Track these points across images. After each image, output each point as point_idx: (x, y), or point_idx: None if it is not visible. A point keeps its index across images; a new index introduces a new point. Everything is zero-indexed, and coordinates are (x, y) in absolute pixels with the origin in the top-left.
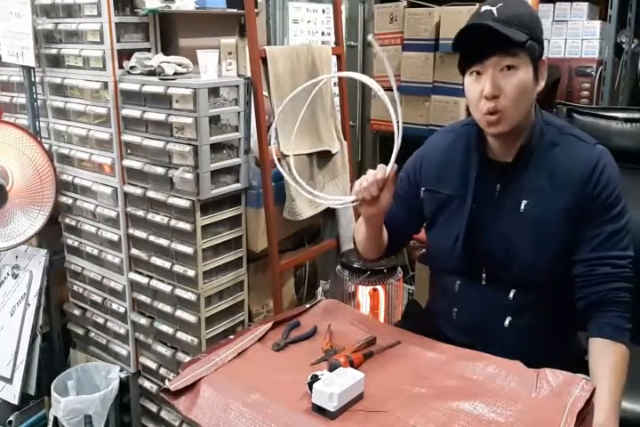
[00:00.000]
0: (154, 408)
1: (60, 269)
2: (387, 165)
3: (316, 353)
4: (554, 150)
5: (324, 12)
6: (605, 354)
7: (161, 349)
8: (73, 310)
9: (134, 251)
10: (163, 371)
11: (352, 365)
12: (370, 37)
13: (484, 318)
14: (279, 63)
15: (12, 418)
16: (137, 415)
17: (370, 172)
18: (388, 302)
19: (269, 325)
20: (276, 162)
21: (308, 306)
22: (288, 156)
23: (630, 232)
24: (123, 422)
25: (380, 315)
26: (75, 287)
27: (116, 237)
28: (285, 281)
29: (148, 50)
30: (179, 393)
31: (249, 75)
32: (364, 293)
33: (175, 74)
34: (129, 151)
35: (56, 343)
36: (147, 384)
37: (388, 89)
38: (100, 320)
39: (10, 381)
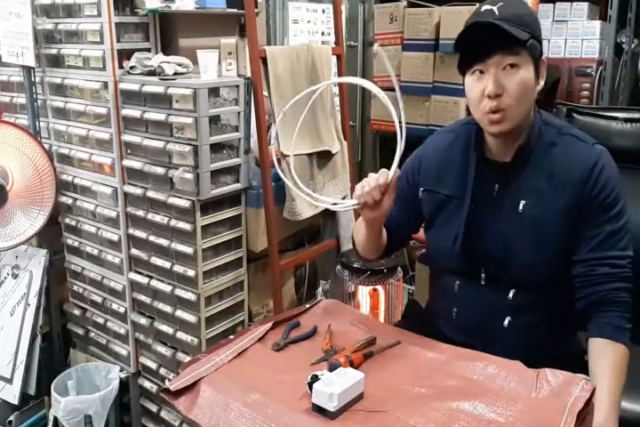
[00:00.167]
0: (154, 408)
1: (60, 270)
2: (388, 168)
3: (316, 353)
4: (552, 150)
5: (323, 12)
6: (605, 354)
7: (161, 349)
8: (73, 310)
9: (134, 251)
10: (163, 371)
11: (352, 365)
12: (376, 47)
13: (483, 318)
14: (279, 63)
15: (12, 418)
16: (137, 415)
17: (372, 175)
18: (388, 302)
19: (269, 325)
20: (276, 165)
21: (307, 306)
22: (288, 156)
23: (629, 232)
24: (123, 422)
25: (380, 315)
26: (75, 287)
27: (115, 237)
28: (285, 281)
29: (148, 50)
30: (179, 393)
31: (249, 75)
32: (364, 293)
33: (175, 74)
34: (129, 151)
35: (56, 343)
36: (147, 384)
37: (389, 89)
38: (100, 320)
39: (10, 381)
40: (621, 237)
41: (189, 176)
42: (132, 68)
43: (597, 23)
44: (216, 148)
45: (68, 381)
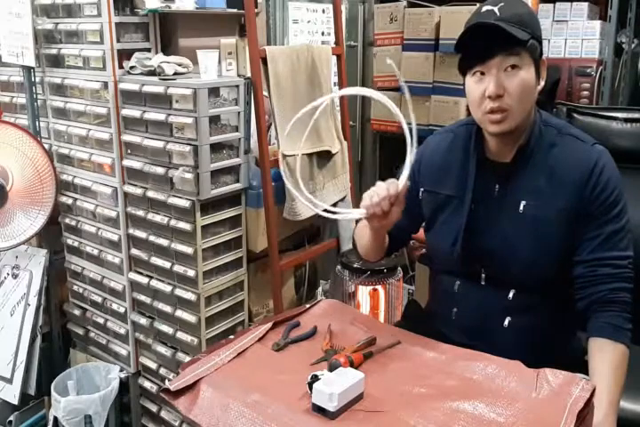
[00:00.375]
0: (154, 408)
1: (60, 270)
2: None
3: (316, 353)
4: (553, 150)
5: (323, 12)
6: (605, 354)
7: (161, 349)
8: (73, 310)
9: (134, 251)
10: (163, 371)
11: (352, 365)
12: (388, 61)
13: (483, 318)
14: (279, 63)
15: (11, 418)
16: (137, 415)
17: (380, 185)
18: (388, 302)
19: (269, 325)
20: (283, 176)
21: (307, 306)
22: (288, 156)
23: (630, 232)
24: (123, 422)
25: (379, 315)
26: (75, 287)
27: (115, 237)
28: (285, 281)
29: (148, 50)
30: (179, 393)
31: (249, 75)
32: (364, 293)
33: (175, 74)
34: (129, 151)
35: (56, 343)
36: (147, 384)
37: (390, 89)
38: (100, 320)
39: (10, 381)
40: (622, 237)
41: (189, 176)
42: (132, 68)
43: (597, 23)
44: (216, 148)
45: (68, 381)
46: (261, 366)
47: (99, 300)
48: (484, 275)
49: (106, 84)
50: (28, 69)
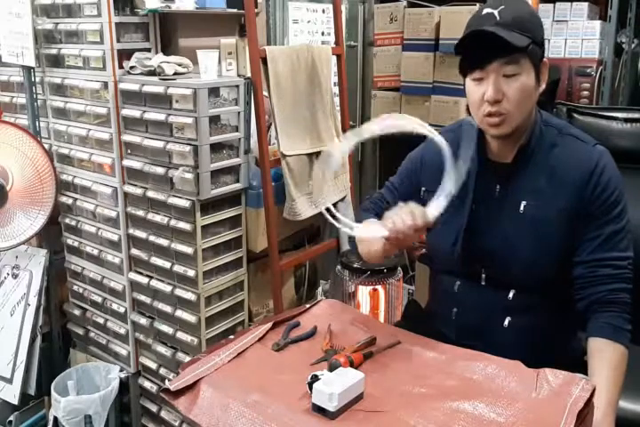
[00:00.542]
0: (154, 408)
1: (60, 269)
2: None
3: (316, 353)
4: (553, 151)
5: (323, 12)
6: (604, 354)
7: (161, 349)
8: (73, 310)
9: (134, 251)
10: (163, 371)
11: (352, 365)
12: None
13: (483, 318)
14: (279, 63)
15: (11, 418)
16: (137, 415)
17: (408, 212)
18: (388, 302)
19: (269, 325)
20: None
21: (307, 306)
22: (287, 156)
23: (630, 232)
24: (123, 422)
25: (379, 315)
26: (75, 287)
27: (115, 237)
28: (285, 281)
29: (148, 50)
30: (179, 393)
31: (249, 75)
32: (364, 293)
33: (175, 74)
34: (129, 151)
35: (56, 343)
36: (147, 384)
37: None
38: (100, 320)
39: (10, 381)
40: (622, 237)
41: (189, 176)
42: (132, 68)
43: (597, 23)
44: (216, 148)
45: (68, 381)
46: (261, 366)
47: (99, 300)
48: (484, 275)
49: (106, 84)
50: (27, 69)
